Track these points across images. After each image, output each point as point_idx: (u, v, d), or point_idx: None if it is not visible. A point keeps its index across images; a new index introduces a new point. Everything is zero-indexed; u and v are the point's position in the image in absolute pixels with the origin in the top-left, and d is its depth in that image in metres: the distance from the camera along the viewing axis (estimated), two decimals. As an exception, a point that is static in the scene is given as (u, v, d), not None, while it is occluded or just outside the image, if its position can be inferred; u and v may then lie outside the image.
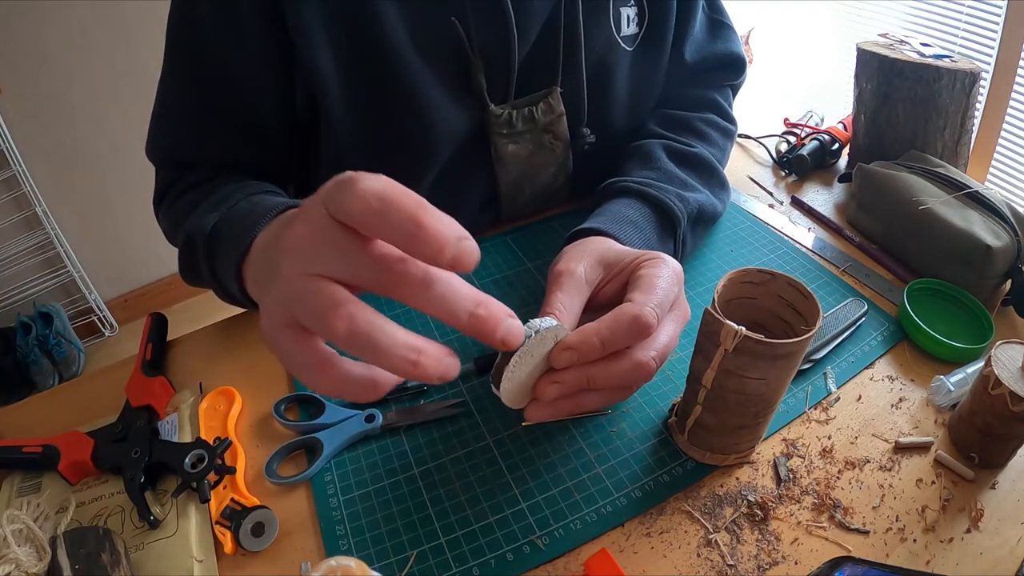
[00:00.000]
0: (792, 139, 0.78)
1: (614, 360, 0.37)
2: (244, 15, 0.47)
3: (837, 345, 0.50)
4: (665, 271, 0.39)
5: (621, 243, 0.47)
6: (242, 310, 0.58)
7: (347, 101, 0.51)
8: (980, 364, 0.42)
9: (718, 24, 0.67)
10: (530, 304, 0.54)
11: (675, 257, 0.53)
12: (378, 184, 0.24)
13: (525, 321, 0.34)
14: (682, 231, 0.52)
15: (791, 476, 0.41)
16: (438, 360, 0.26)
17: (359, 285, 0.26)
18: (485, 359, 0.49)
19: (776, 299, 0.40)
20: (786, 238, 0.62)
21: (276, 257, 0.28)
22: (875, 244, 0.61)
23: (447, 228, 0.24)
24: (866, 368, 0.49)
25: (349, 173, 0.25)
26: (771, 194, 0.71)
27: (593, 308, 0.41)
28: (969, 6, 1.58)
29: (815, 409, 0.46)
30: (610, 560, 0.36)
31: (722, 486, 0.41)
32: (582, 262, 0.42)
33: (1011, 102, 1.54)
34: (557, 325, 0.36)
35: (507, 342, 0.27)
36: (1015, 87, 1.52)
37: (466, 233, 0.25)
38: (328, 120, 0.52)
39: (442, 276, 0.26)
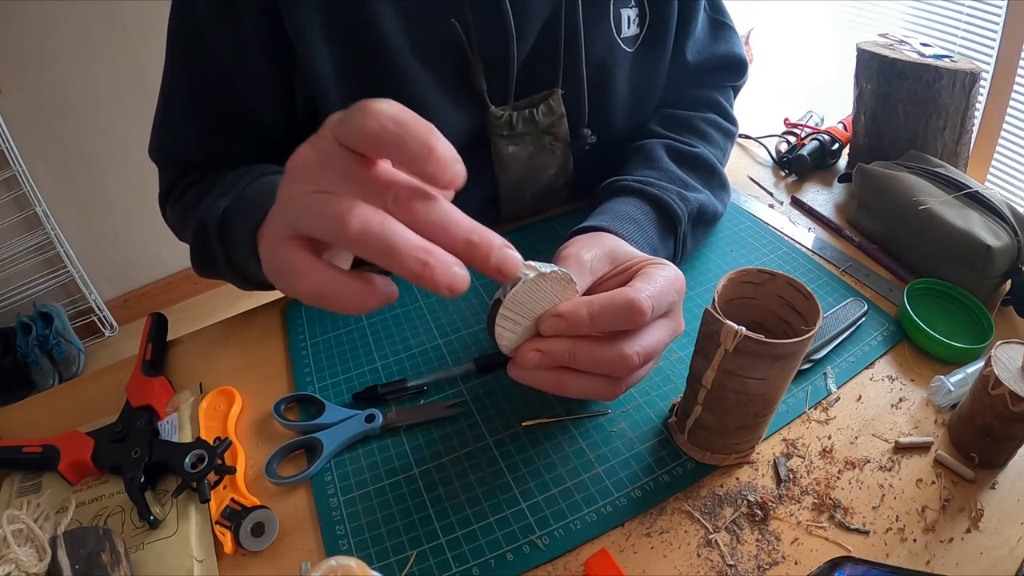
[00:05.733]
0: (792, 139, 0.78)
1: (599, 343, 0.36)
2: (243, 18, 0.47)
3: (837, 345, 0.50)
4: (669, 273, 0.39)
5: (624, 241, 0.47)
6: (241, 310, 0.58)
7: (346, 103, 0.51)
8: (980, 364, 0.42)
9: (720, 25, 0.67)
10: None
11: (676, 256, 0.54)
12: (392, 108, 0.26)
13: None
14: (683, 230, 0.52)
15: (791, 476, 0.41)
16: (447, 266, 0.26)
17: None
18: (485, 359, 0.49)
19: (776, 299, 0.40)
20: (786, 238, 0.62)
21: (281, 188, 0.29)
22: (875, 244, 0.61)
23: (450, 151, 0.26)
24: (866, 368, 0.49)
25: (362, 101, 0.26)
26: (771, 194, 0.71)
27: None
28: (969, 6, 1.58)
29: (815, 409, 0.46)
30: (610, 560, 0.36)
31: (722, 486, 0.41)
32: (591, 251, 0.42)
33: (1011, 102, 1.54)
34: (563, 272, 0.34)
35: (502, 270, 0.27)
36: (1015, 87, 1.52)
37: (459, 158, 0.26)
38: None
39: (444, 201, 0.27)
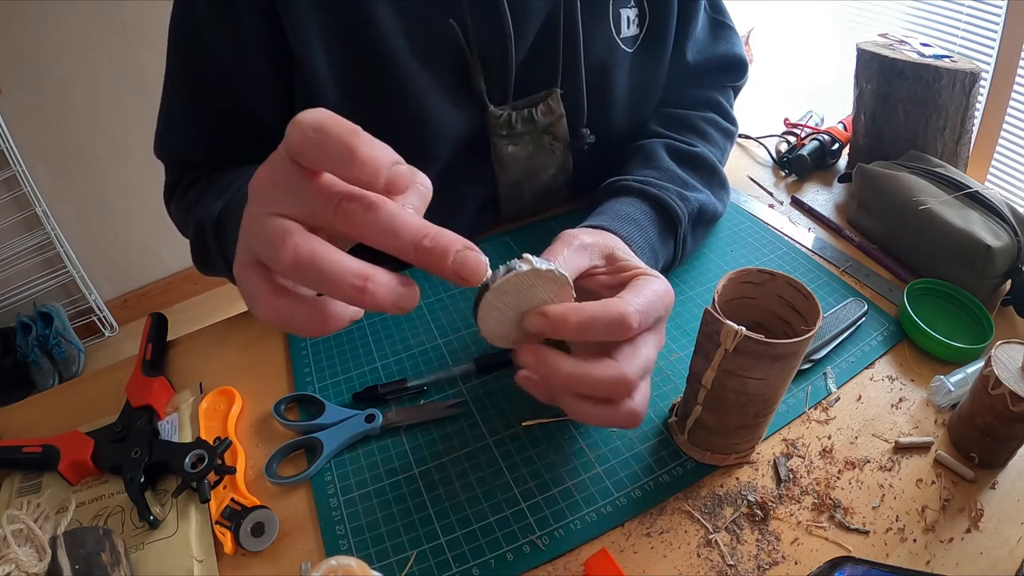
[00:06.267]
0: (792, 139, 0.78)
1: (594, 366, 0.34)
2: (242, 19, 0.47)
3: (837, 345, 0.50)
4: (660, 287, 0.38)
5: (624, 241, 0.47)
6: (241, 310, 0.58)
7: (344, 104, 0.51)
8: (980, 364, 0.42)
9: (720, 25, 0.67)
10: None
11: (676, 256, 0.54)
12: (315, 115, 0.25)
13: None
14: (683, 230, 0.52)
15: (791, 476, 0.41)
16: (388, 287, 0.26)
17: (314, 221, 0.27)
18: (485, 359, 0.49)
19: (776, 299, 0.40)
20: (786, 238, 0.62)
21: (245, 209, 0.29)
22: (875, 244, 0.61)
23: (381, 153, 0.25)
24: (866, 368, 0.49)
25: (298, 114, 0.25)
26: (771, 194, 0.71)
27: (580, 293, 0.40)
28: (969, 6, 1.58)
29: (815, 409, 0.46)
30: (610, 560, 0.36)
31: (722, 486, 0.41)
32: (592, 237, 0.42)
33: (1011, 102, 1.54)
34: (560, 273, 0.33)
35: (461, 274, 0.26)
36: (1015, 87, 1.52)
37: (400, 159, 0.26)
38: None
39: (389, 206, 0.26)
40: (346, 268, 0.25)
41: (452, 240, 0.26)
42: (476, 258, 0.27)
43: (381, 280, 0.26)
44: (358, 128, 0.25)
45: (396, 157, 0.26)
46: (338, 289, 0.25)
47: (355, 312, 0.28)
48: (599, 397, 0.35)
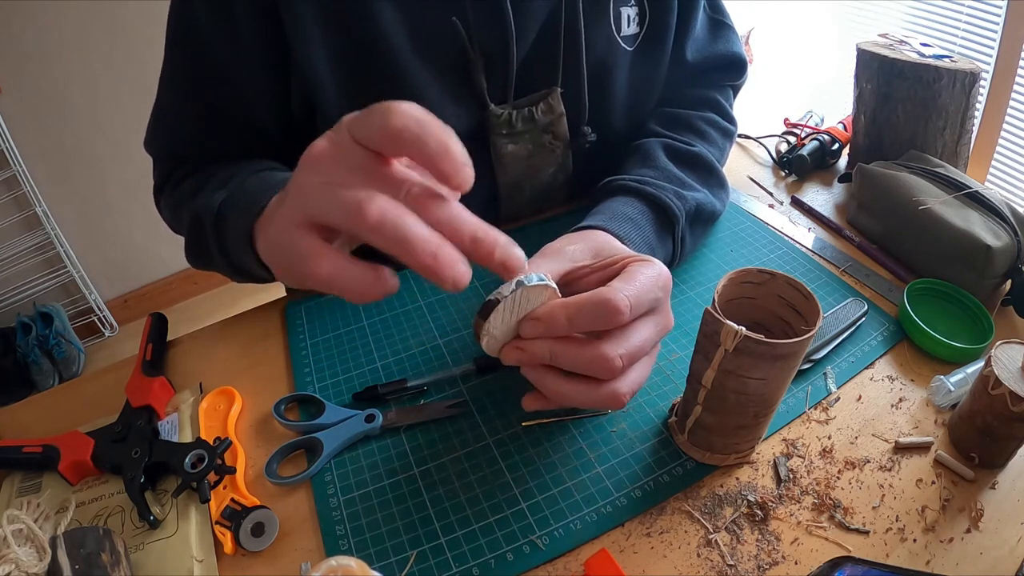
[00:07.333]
0: (792, 139, 0.78)
1: (579, 343, 0.36)
2: (238, 15, 0.47)
3: (837, 345, 0.50)
4: (651, 271, 0.38)
5: (621, 240, 0.47)
6: (241, 310, 0.58)
7: (343, 100, 0.51)
8: (980, 364, 0.42)
9: (719, 24, 0.67)
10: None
11: (675, 255, 0.53)
12: (414, 109, 0.27)
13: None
14: (680, 229, 0.52)
15: (791, 476, 0.41)
16: (453, 261, 0.27)
17: None
18: (485, 359, 0.49)
19: (776, 299, 0.40)
20: (786, 238, 0.62)
21: (294, 178, 0.31)
22: (875, 244, 0.61)
23: (463, 154, 0.28)
24: (866, 368, 0.49)
25: (383, 103, 0.28)
26: (771, 194, 0.71)
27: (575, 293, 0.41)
28: (969, 6, 1.58)
29: (815, 409, 0.46)
30: (610, 560, 0.36)
31: (722, 486, 0.41)
32: (574, 245, 0.43)
33: (1011, 102, 1.54)
34: (545, 283, 0.35)
35: (506, 265, 0.29)
36: (1015, 87, 1.52)
37: (470, 161, 0.28)
38: (325, 119, 0.52)
39: (453, 201, 0.29)
40: (424, 233, 0.27)
41: (499, 235, 0.30)
42: (518, 253, 0.30)
43: (450, 252, 0.27)
44: (450, 128, 0.28)
45: (469, 160, 0.28)
46: (413, 251, 0.27)
47: (395, 285, 0.30)
48: (581, 375, 0.37)
